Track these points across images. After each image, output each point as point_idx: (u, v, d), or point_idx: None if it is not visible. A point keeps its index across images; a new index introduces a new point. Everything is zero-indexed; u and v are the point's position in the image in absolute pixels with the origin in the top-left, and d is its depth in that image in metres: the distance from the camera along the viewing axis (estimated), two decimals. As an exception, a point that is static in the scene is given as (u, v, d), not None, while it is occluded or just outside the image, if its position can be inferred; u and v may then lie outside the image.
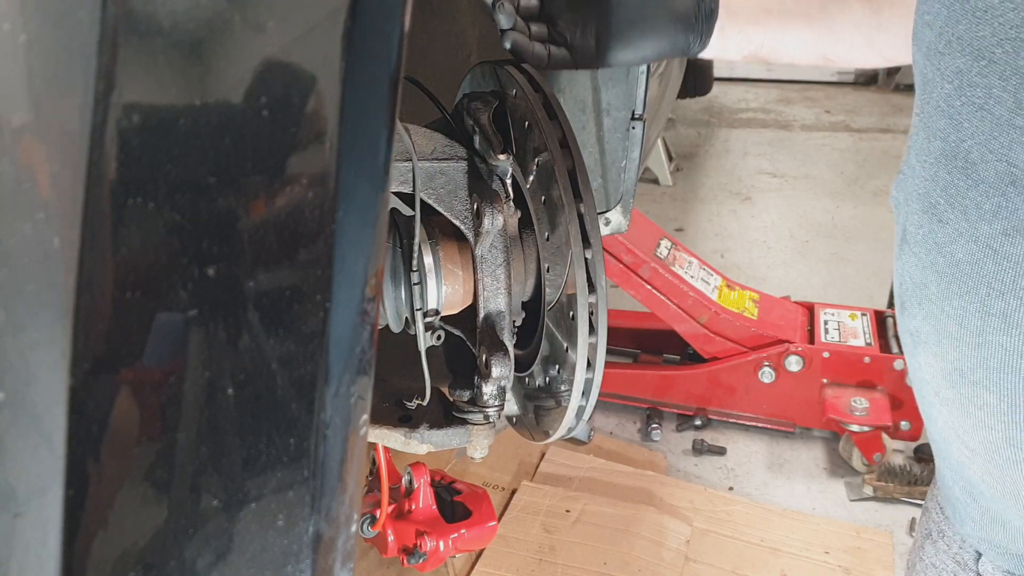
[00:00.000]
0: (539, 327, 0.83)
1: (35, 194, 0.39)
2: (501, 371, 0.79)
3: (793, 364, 2.32)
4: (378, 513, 1.29)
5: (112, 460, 0.43)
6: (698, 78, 4.15)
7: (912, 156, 0.65)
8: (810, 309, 2.51)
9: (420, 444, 0.87)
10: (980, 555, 0.72)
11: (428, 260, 0.80)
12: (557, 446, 2.35)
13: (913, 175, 0.65)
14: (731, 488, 2.28)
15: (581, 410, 0.80)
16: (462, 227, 0.81)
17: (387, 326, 0.83)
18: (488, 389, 0.82)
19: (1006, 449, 0.60)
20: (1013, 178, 0.54)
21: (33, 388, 0.41)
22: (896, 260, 0.69)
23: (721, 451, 2.41)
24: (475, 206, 0.80)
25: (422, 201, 0.79)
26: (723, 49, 0.83)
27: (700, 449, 2.40)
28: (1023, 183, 0.53)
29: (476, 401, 0.84)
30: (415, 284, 0.79)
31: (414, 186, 0.78)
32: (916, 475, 2.17)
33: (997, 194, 0.55)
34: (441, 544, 1.34)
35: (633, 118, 1.13)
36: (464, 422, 0.87)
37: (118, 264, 0.41)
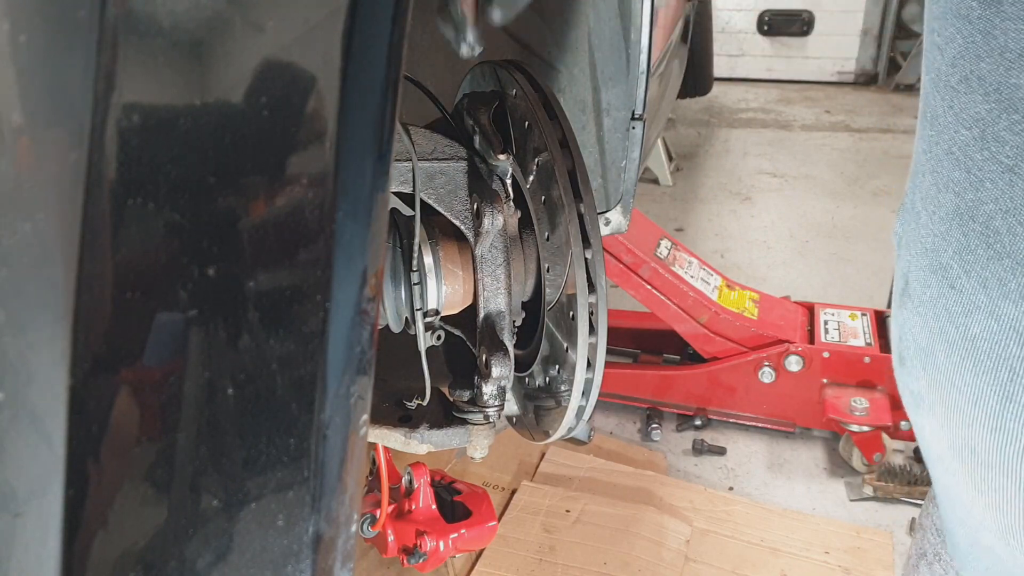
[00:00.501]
0: (539, 327, 0.83)
1: (35, 194, 0.39)
2: (501, 371, 0.79)
3: (793, 364, 2.32)
4: (378, 513, 1.29)
5: (112, 460, 0.43)
6: (698, 78, 4.15)
7: (917, 199, 0.59)
8: (810, 309, 2.51)
9: (420, 444, 0.87)
10: None
11: (428, 260, 0.80)
12: (557, 446, 2.35)
13: (918, 222, 0.59)
14: (731, 488, 2.28)
15: (581, 410, 0.80)
16: (462, 227, 0.81)
17: (387, 326, 0.83)
18: (488, 389, 0.82)
19: (1021, 533, 0.55)
20: None
21: (33, 388, 0.41)
22: (896, 310, 0.64)
23: (721, 451, 2.41)
24: (475, 206, 0.80)
25: (422, 201, 0.79)
26: None
27: (700, 449, 2.40)
28: None
29: (476, 401, 0.84)
30: (415, 284, 0.79)
31: (414, 186, 0.78)
32: (916, 475, 2.17)
33: None
34: (441, 544, 1.34)
35: (633, 118, 1.13)
36: (464, 422, 0.87)
37: (118, 264, 0.41)
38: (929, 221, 0.57)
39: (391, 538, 1.36)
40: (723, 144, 4.99)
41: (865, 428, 2.17)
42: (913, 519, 2.10)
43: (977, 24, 0.49)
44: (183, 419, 0.45)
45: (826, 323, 2.41)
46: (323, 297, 0.49)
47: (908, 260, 0.61)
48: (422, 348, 0.81)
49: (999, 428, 0.52)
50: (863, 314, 2.42)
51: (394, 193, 0.79)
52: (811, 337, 2.37)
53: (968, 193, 0.52)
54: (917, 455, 2.30)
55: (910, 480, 2.16)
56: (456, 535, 1.36)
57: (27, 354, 0.40)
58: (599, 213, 1.17)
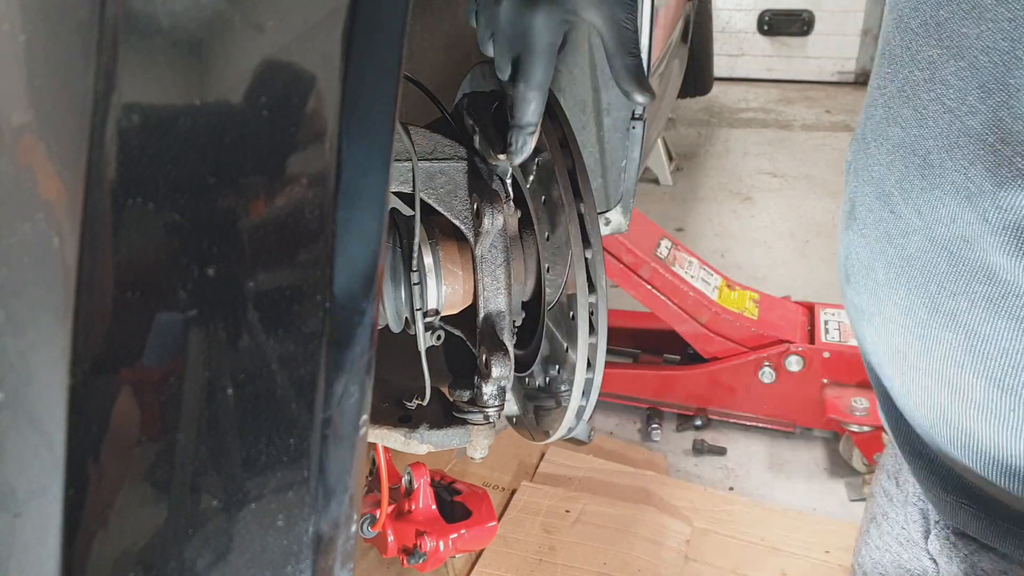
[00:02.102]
0: (539, 327, 0.83)
1: (35, 194, 0.39)
2: (501, 371, 0.79)
3: (793, 364, 2.32)
4: (378, 513, 1.29)
5: (112, 460, 0.43)
6: (698, 78, 4.15)
7: (868, 130, 0.64)
8: (810, 309, 2.51)
9: (420, 444, 0.87)
10: (929, 532, 0.73)
11: (428, 260, 0.80)
12: (557, 446, 2.35)
13: (867, 152, 0.64)
14: (731, 488, 2.28)
15: (581, 410, 0.80)
16: (462, 227, 0.81)
17: (387, 326, 0.83)
18: (488, 389, 0.82)
19: (943, 427, 0.61)
20: (969, 193, 0.52)
21: (33, 388, 0.41)
22: (843, 231, 0.69)
23: (721, 451, 2.41)
24: (475, 206, 0.80)
25: (422, 201, 0.79)
26: None
27: (700, 449, 2.40)
28: (978, 200, 0.52)
29: (476, 401, 0.84)
30: (415, 284, 0.79)
31: (414, 186, 0.78)
32: (916, 475, 2.17)
33: (955, 202, 0.53)
34: (441, 544, 1.34)
35: (633, 118, 1.13)
36: (464, 422, 0.87)
37: (118, 264, 0.41)
38: (877, 152, 0.62)
39: (391, 538, 1.36)
40: (723, 144, 4.99)
41: (865, 428, 2.17)
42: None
43: None
44: (183, 419, 0.45)
45: (826, 323, 2.41)
46: (323, 297, 0.49)
47: (856, 187, 0.66)
48: (422, 348, 0.81)
49: (926, 336, 0.59)
50: (863, 314, 2.42)
51: (394, 193, 0.79)
52: (811, 337, 2.37)
53: (913, 128, 0.56)
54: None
55: (910, 480, 2.16)
56: (456, 535, 1.36)
57: (27, 354, 0.40)
58: (599, 213, 1.17)
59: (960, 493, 0.64)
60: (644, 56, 1.09)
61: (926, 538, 0.73)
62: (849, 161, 0.69)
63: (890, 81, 0.60)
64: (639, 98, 0.69)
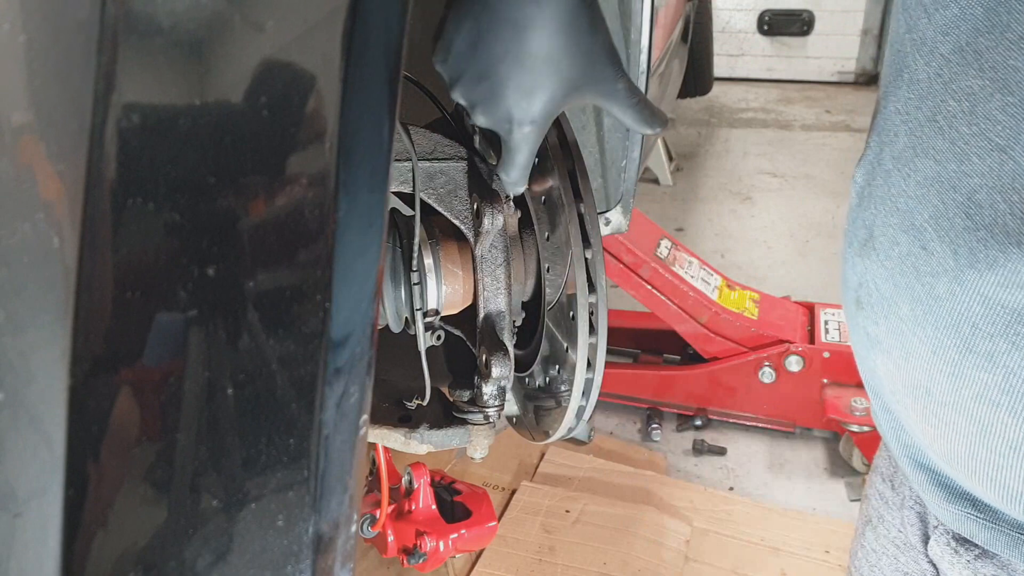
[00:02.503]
0: (539, 327, 0.83)
1: (35, 194, 0.39)
2: (501, 371, 0.79)
3: (793, 364, 2.32)
4: (378, 513, 1.29)
5: (112, 460, 0.43)
6: (698, 78, 4.15)
7: (886, 156, 0.61)
8: (810, 309, 2.51)
9: (420, 444, 0.87)
10: (927, 537, 0.72)
11: (428, 260, 0.80)
12: (557, 446, 2.35)
13: (888, 180, 0.61)
14: (731, 488, 2.28)
15: (581, 410, 0.80)
16: (462, 227, 0.81)
17: (387, 326, 0.83)
18: (488, 389, 0.82)
19: (968, 460, 0.59)
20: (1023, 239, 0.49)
21: (33, 388, 0.41)
22: (856, 257, 0.66)
23: (721, 451, 2.41)
24: (475, 206, 0.80)
25: (422, 201, 0.79)
26: None
27: (700, 449, 2.40)
28: None
29: (476, 401, 0.84)
30: (415, 284, 0.79)
31: (414, 186, 0.78)
32: (916, 475, 2.17)
33: (997, 247, 0.50)
34: (441, 544, 1.34)
35: (633, 118, 1.13)
36: (464, 422, 0.87)
37: (118, 264, 0.41)
38: (903, 182, 0.58)
39: (391, 538, 1.36)
40: (723, 144, 4.99)
41: (865, 428, 2.17)
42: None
43: None
44: (183, 419, 0.45)
45: (826, 323, 2.41)
46: (323, 297, 0.49)
47: (874, 214, 0.63)
48: (422, 348, 0.81)
49: (957, 375, 0.56)
50: (863, 314, 2.42)
51: (394, 193, 0.79)
52: (811, 337, 2.37)
53: (951, 164, 0.53)
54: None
55: (910, 480, 2.16)
56: (456, 535, 1.36)
57: (27, 354, 0.40)
58: (599, 213, 1.17)
59: (966, 504, 0.64)
60: (644, 56, 1.09)
61: (924, 542, 0.72)
62: (860, 184, 0.66)
63: (916, 108, 0.57)
64: (656, 129, 0.67)
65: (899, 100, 0.60)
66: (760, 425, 2.46)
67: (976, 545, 0.65)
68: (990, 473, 0.58)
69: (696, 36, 3.90)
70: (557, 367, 0.79)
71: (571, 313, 0.74)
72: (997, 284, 0.51)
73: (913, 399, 0.62)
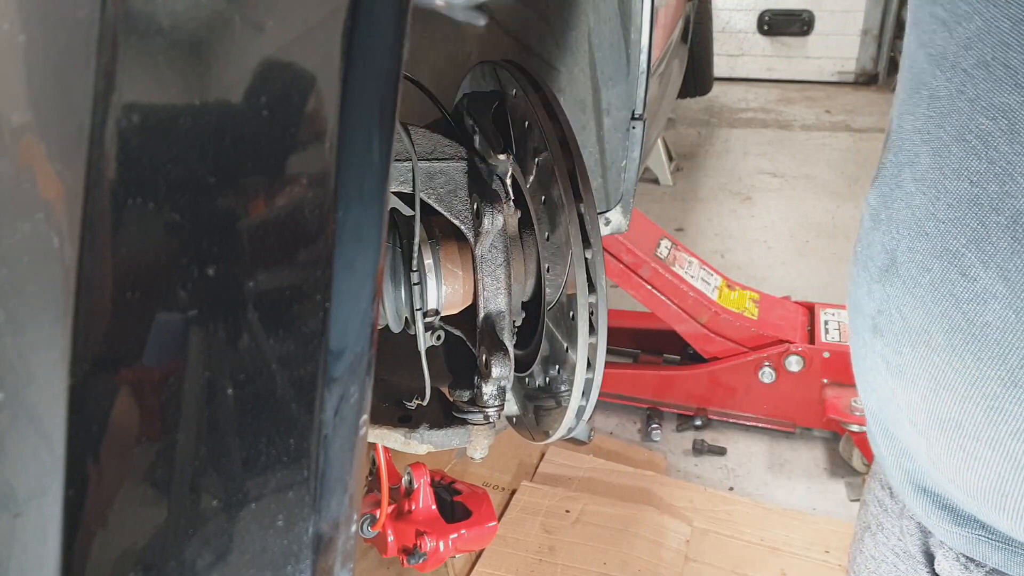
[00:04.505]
0: (539, 327, 0.83)
1: (35, 194, 0.39)
2: (501, 371, 0.79)
3: (793, 364, 2.32)
4: (378, 513, 1.29)
5: (112, 460, 0.43)
6: (698, 78, 4.15)
7: (906, 177, 0.59)
8: (810, 309, 2.51)
9: (420, 444, 0.87)
10: (927, 546, 0.71)
11: (428, 260, 0.80)
12: (557, 446, 2.35)
13: (911, 203, 0.58)
14: (731, 488, 2.28)
15: (581, 410, 0.80)
16: (462, 227, 0.81)
17: (387, 326, 0.83)
18: (488, 389, 0.82)
19: (997, 497, 0.57)
20: None
21: (33, 388, 0.41)
22: (875, 282, 0.64)
23: (721, 451, 2.41)
24: (475, 206, 0.80)
25: (422, 201, 0.79)
26: None
27: (700, 449, 2.40)
28: None
29: (476, 401, 0.84)
30: (415, 284, 0.79)
31: (414, 186, 0.78)
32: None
33: None
34: (441, 544, 1.34)
35: (633, 118, 1.13)
36: (464, 422, 0.87)
37: (118, 264, 0.41)
38: (931, 205, 0.56)
39: (391, 538, 1.36)
40: (723, 144, 4.99)
41: (865, 428, 2.17)
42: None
43: (1004, 8, 0.48)
44: (183, 419, 0.45)
45: (826, 323, 2.41)
46: (323, 297, 0.49)
47: (895, 238, 0.60)
48: (422, 348, 0.81)
49: (994, 408, 0.54)
50: (863, 314, 2.41)
51: (394, 193, 0.79)
52: (811, 337, 2.37)
53: (991, 185, 0.50)
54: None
55: (910, 480, 2.16)
56: (456, 535, 1.36)
57: (27, 354, 0.40)
58: (599, 213, 1.17)
59: (975, 526, 0.63)
60: (644, 56, 1.09)
61: (923, 552, 0.72)
62: (875, 207, 0.64)
63: (938, 126, 0.54)
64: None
65: (918, 118, 0.57)
66: (760, 425, 2.46)
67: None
68: (1020, 509, 0.56)
69: (696, 36, 3.90)
70: (557, 367, 0.79)
71: (571, 313, 0.74)
72: None
73: (940, 431, 0.59)
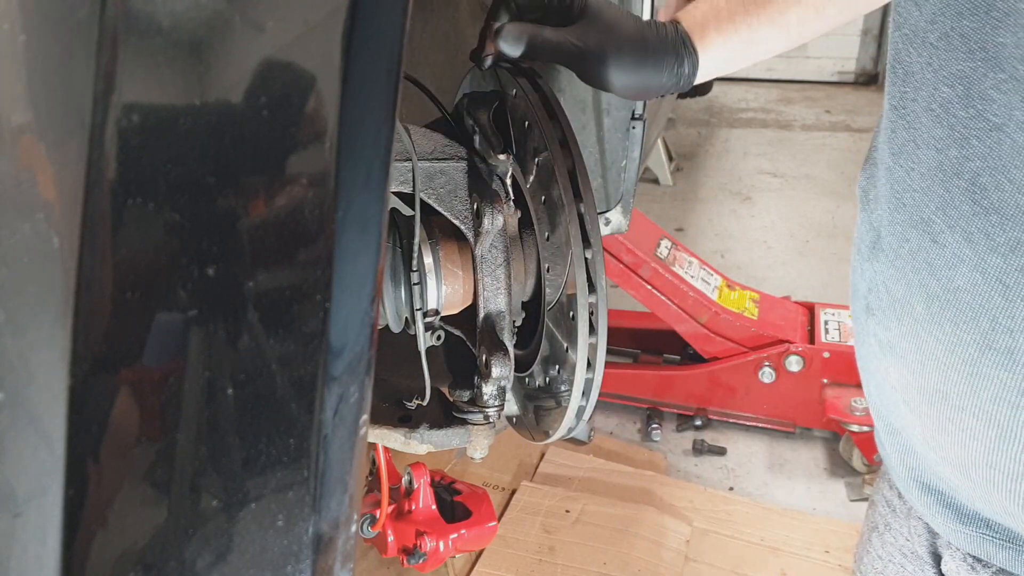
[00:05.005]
0: (539, 327, 0.83)
1: (35, 194, 0.39)
2: (501, 371, 0.79)
3: (793, 364, 2.32)
4: (378, 513, 1.29)
5: (112, 460, 0.43)
6: (698, 78, 4.14)
7: (887, 154, 0.60)
8: (810, 309, 2.51)
9: (420, 444, 0.87)
10: (935, 548, 0.71)
11: (428, 260, 0.80)
12: (557, 446, 2.35)
13: (892, 177, 0.60)
14: (731, 488, 2.28)
15: (581, 410, 0.80)
16: (462, 227, 0.81)
17: (387, 326, 0.83)
18: (488, 389, 0.82)
19: (985, 469, 0.57)
20: None
21: (33, 388, 0.41)
22: (864, 263, 0.64)
23: (721, 451, 2.41)
24: (475, 206, 0.80)
25: (422, 201, 0.79)
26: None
27: (700, 449, 2.40)
28: None
29: (476, 401, 0.84)
30: (415, 284, 0.79)
31: (414, 186, 0.78)
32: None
33: (1017, 228, 0.49)
34: (441, 544, 1.34)
35: (633, 118, 1.13)
36: (464, 422, 0.87)
37: (118, 264, 0.41)
38: (907, 177, 0.57)
39: (391, 538, 1.36)
40: (723, 144, 4.99)
41: (865, 428, 2.17)
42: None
43: None
44: (183, 419, 0.45)
45: (826, 323, 2.41)
46: (323, 297, 0.49)
47: (880, 215, 0.61)
48: (422, 348, 0.81)
49: (975, 375, 0.54)
50: (863, 314, 2.41)
51: (394, 193, 0.79)
52: (811, 337, 2.37)
53: (951, 150, 0.52)
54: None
55: (910, 480, 2.16)
56: (456, 535, 1.36)
57: (27, 354, 0.40)
58: (599, 213, 1.17)
59: (980, 524, 0.63)
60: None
61: (931, 553, 0.72)
62: (864, 188, 0.65)
63: (912, 101, 0.56)
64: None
65: (895, 96, 0.59)
66: (760, 425, 2.46)
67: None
68: (1008, 484, 0.56)
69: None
70: (557, 367, 0.79)
71: (571, 313, 0.74)
72: (1019, 270, 0.50)
73: (929, 405, 0.60)
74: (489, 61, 0.74)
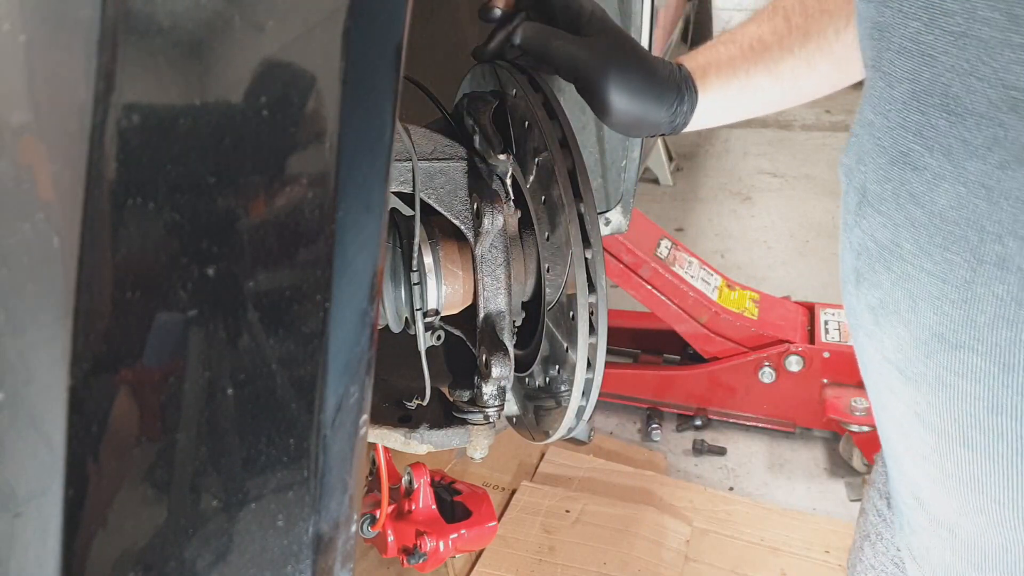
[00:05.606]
0: (539, 327, 0.83)
1: (35, 194, 0.39)
2: (501, 371, 0.79)
3: (793, 364, 2.32)
4: (378, 513, 1.29)
5: (112, 460, 0.43)
6: (698, 78, 4.14)
7: (868, 112, 0.60)
8: (810, 309, 2.51)
9: (420, 444, 0.87)
10: None
11: (428, 260, 0.80)
12: (557, 446, 2.35)
13: (871, 131, 0.59)
14: (731, 488, 2.28)
15: (581, 410, 0.80)
16: (462, 227, 0.81)
17: (387, 326, 0.83)
18: (488, 389, 0.82)
19: (988, 418, 0.53)
20: (1013, 102, 0.46)
21: (33, 388, 0.41)
22: (850, 230, 0.63)
23: (721, 451, 2.41)
24: (475, 206, 0.80)
25: (422, 201, 0.79)
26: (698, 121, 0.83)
27: (700, 449, 2.40)
28: None
29: (476, 401, 0.84)
30: (415, 284, 0.79)
31: (414, 186, 0.78)
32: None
33: (992, 124, 0.48)
34: (441, 544, 1.34)
35: (633, 118, 1.13)
36: (464, 422, 0.87)
37: (118, 264, 0.41)
38: (884, 121, 0.57)
39: (391, 538, 1.36)
40: (723, 144, 4.99)
41: (865, 428, 2.17)
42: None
43: None
44: (183, 419, 0.45)
45: (826, 323, 2.41)
46: (323, 297, 0.49)
47: (864, 173, 0.61)
48: (422, 348, 0.81)
49: (970, 298, 0.52)
50: (863, 314, 2.41)
51: (394, 193, 0.79)
52: (811, 337, 2.37)
53: (924, 73, 0.52)
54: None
55: (910, 480, 2.16)
56: (456, 535, 1.36)
57: (27, 354, 0.40)
58: (599, 213, 1.17)
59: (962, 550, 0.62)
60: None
61: None
62: (845, 163, 0.65)
63: (884, 50, 0.56)
64: None
65: (869, 56, 0.59)
66: (760, 425, 2.46)
67: None
68: (1017, 427, 0.52)
69: (696, 36, 3.90)
70: (557, 367, 0.79)
71: (571, 313, 0.74)
72: (998, 166, 0.48)
73: (926, 357, 0.57)
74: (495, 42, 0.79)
